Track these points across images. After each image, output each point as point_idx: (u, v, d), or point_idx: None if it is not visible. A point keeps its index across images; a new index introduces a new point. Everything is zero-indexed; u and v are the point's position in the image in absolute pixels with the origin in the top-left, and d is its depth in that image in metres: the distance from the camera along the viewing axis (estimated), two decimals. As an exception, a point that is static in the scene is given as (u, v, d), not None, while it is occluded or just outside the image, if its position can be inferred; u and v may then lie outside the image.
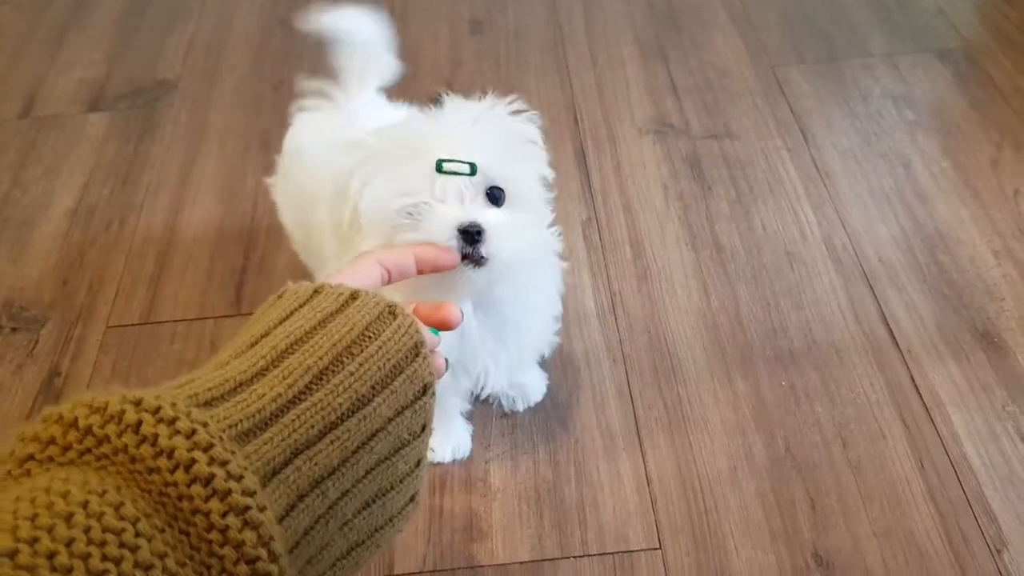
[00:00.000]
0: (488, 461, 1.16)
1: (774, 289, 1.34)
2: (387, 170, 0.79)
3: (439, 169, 0.74)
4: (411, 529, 1.09)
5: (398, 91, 1.47)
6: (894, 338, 1.26)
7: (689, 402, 1.21)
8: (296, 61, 1.82)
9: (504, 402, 1.20)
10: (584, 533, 1.08)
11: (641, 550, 1.06)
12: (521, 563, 1.06)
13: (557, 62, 1.80)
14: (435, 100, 0.86)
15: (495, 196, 0.79)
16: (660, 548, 1.06)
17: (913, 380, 1.21)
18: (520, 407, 1.21)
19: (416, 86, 1.75)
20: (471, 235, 0.74)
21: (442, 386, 0.97)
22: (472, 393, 1.08)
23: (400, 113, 1.16)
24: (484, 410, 1.21)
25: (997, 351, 1.23)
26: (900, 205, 1.44)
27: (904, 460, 1.12)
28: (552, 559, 1.06)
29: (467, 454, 1.17)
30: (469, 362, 0.97)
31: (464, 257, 0.75)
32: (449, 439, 1.16)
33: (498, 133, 0.81)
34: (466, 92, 1.71)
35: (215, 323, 1.35)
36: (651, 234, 1.43)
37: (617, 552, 1.06)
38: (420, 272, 0.63)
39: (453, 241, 0.74)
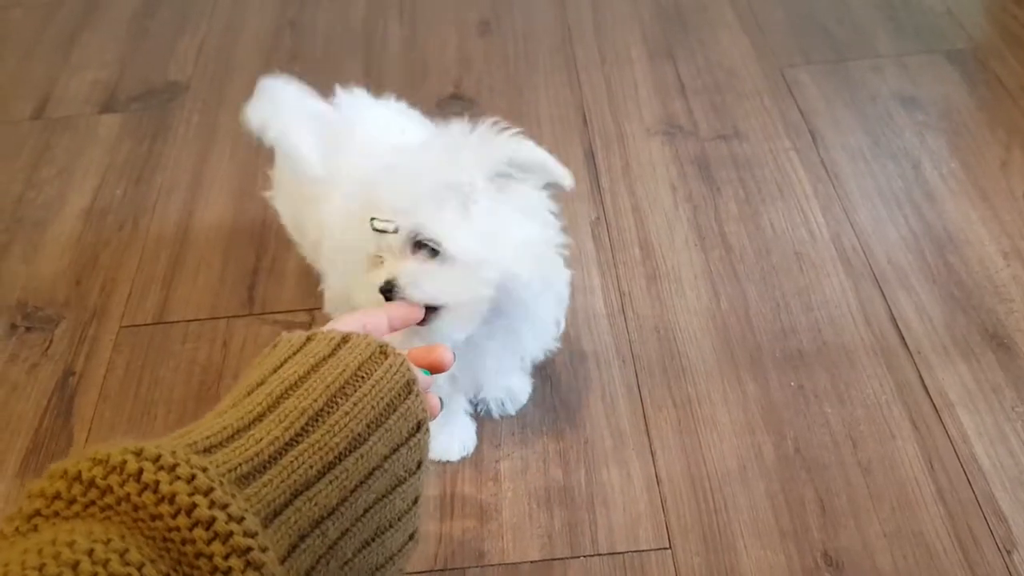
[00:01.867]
0: (498, 460, 1.17)
1: (783, 290, 1.34)
2: (344, 223, 0.95)
3: (372, 227, 0.86)
4: (422, 528, 1.10)
5: (409, 92, 1.48)
6: (903, 339, 1.26)
7: (699, 402, 1.21)
8: (305, 62, 1.84)
9: (494, 408, 1.22)
10: (594, 532, 1.09)
11: (651, 550, 1.07)
12: (532, 562, 1.07)
13: (566, 62, 1.81)
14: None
15: (429, 247, 0.88)
16: (670, 548, 1.07)
17: (923, 381, 1.21)
18: (511, 410, 1.22)
19: (426, 87, 1.77)
20: (387, 291, 0.85)
21: (445, 388, 1.05)
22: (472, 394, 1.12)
23: (388, 112, 1.21)
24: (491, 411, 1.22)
25: (1007, 352, 1.23)
26: (909, 206, 1.45)
27: (914, 461, 1.13)
28: (562, 558, 1.07)
29: (472, 451, 1.18)
30: (474, 370, 1.04)
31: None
32: (455, 437, 1.17)
33: (439, 187, 0.89)
34: (475, 94, 1.72)
35: (227, 323, 1.36)
36: (660, 235, 1.44)
37: (627, 552, 1.07)
38: (393, 329, 0.69)
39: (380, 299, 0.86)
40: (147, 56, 1.91)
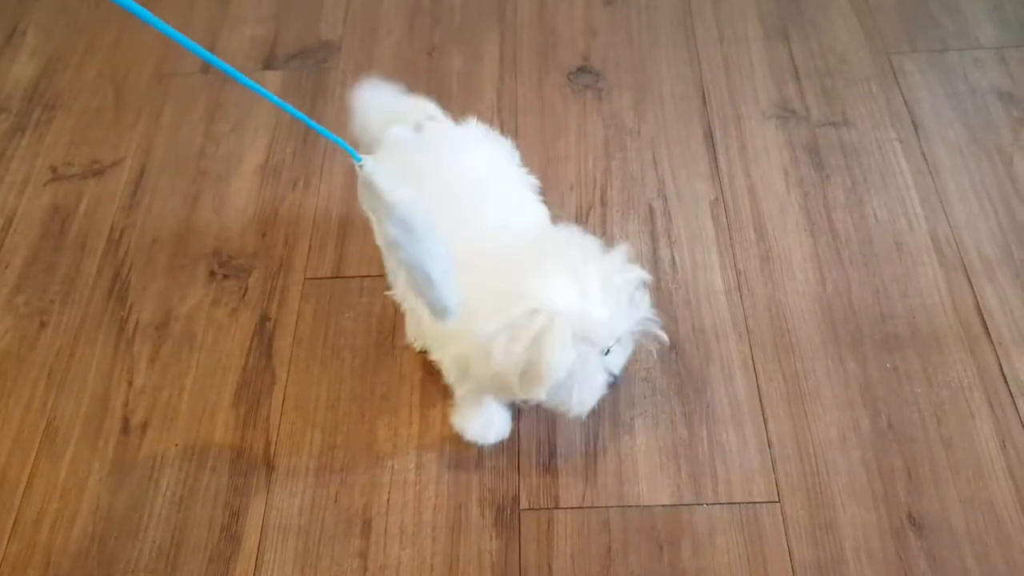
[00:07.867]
0: (633, 418, 1.39)
1: (883, 277, 1.52)
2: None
3: (606, 352, 1.12)
4: (572, 471, 1.33)
5: (541, 61, 1.64)
6: (987, 329, 1.45)
7: (805, 377, 1.42)
8: (446, 28, 2.00)
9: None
10: (715, 485, 1.31)
11: (763, 502, 1.29)
12: (663, 506, 1.30)
13: (686, 37, 1.95)
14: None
15: None
16: (779, 502, 1.29)
17: (1001, 369, 1.40)
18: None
19: (556, 57, 1.93)
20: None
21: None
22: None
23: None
24: (626, 373, 1.43)
25: (1078, 347, 1.42)
26: (1000, 202, 1.61)
27: (989, 440, 1.33)
28: (688, 504, 1.30)
29: (507, 434, 1.36)
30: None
31: None
32: (492, 425, 1.34)
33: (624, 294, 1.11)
34: (602, 66, 1.87)
35: (395, 280, 1.57)
36: (773, 217, 1.62)
37: (743, 503, 1.29)
38: None
39: None
40: (298, 13, 2.08)
